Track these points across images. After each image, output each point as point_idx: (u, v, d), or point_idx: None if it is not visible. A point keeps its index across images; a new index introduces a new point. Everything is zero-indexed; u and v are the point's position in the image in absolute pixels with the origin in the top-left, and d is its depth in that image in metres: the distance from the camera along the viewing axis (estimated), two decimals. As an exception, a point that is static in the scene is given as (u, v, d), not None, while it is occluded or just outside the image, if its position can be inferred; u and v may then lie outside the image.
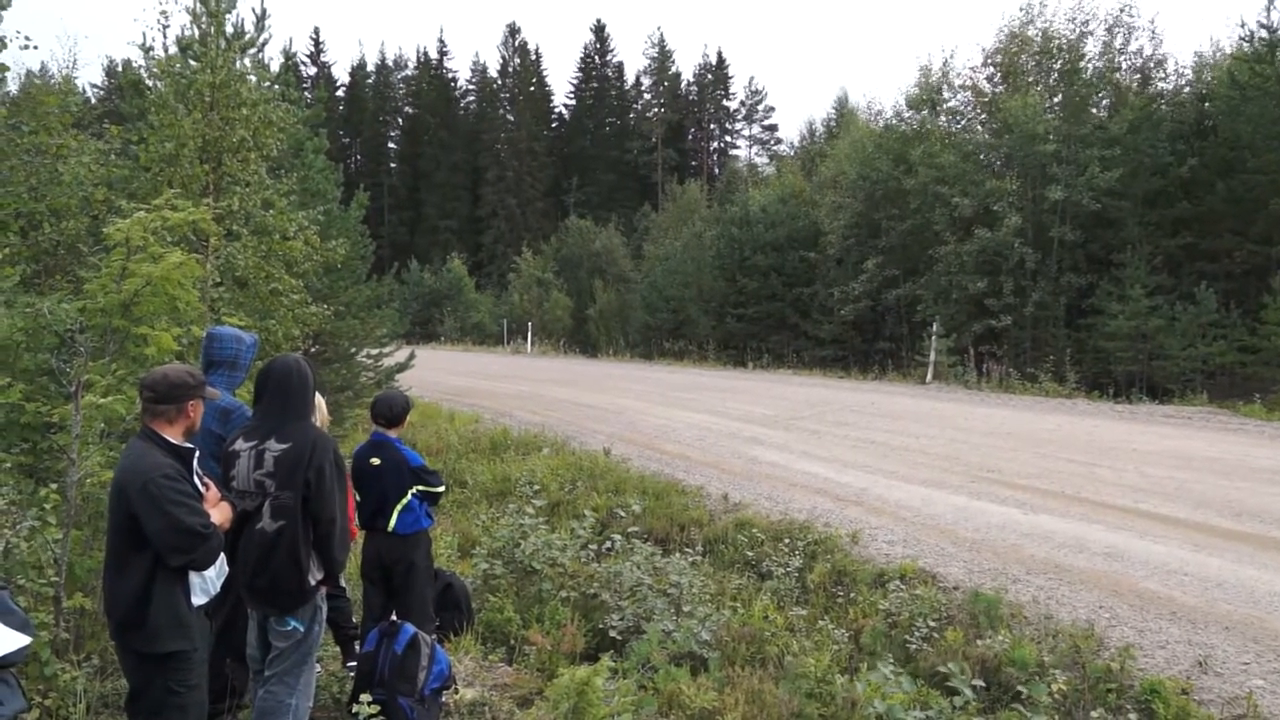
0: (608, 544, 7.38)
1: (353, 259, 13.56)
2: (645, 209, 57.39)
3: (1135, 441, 11.66)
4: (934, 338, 21.70)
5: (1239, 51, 21.33)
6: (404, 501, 5.01)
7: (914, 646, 5.81)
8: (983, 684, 5.18)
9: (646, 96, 78.16)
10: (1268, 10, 19.61)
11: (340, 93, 76.70)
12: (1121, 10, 22.86)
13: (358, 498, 5.03)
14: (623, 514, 8.68)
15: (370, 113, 77.99)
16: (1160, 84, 23.70)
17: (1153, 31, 23.07)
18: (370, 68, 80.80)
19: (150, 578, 3.15)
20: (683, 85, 77.92)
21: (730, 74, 77.92)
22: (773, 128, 76.41)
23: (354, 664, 4.73)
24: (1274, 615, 5.94)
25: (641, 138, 74.13)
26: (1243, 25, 20.28)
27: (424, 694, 4.29)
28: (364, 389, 13.63)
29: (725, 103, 77.77)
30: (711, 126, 78.35)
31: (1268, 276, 18.26)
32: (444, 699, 4.53)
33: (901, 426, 13.41)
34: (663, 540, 8.39)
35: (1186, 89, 23.39)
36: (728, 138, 79.17)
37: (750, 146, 77.42)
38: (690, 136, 77.16)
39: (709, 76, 77.27)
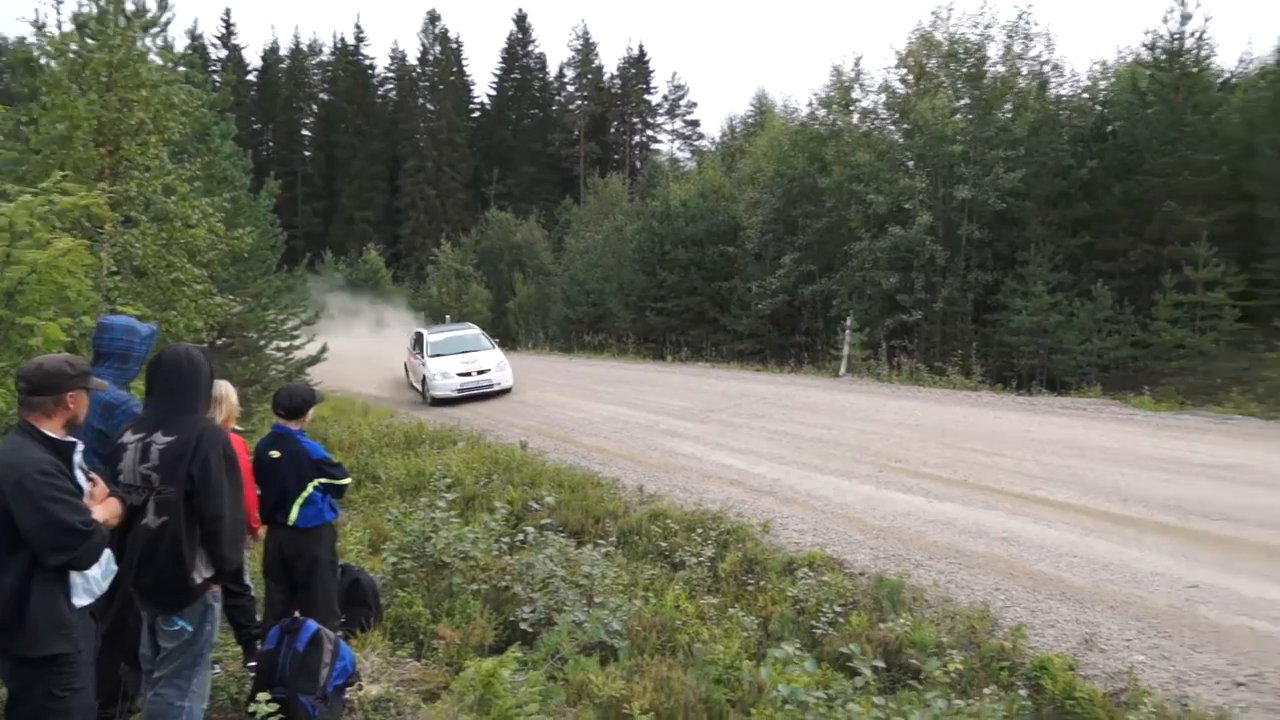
0: (521, 536, 7.37)
1: (262, 248, 13.22)
2: (567, 202, 57.11)
3: (1034, 431, 12.13)
4: (848, 332, 22.17)
5: (1139, 59, 22.26)
6: (305, 494, 4.90)
7: (820, 631, 5.95)
8: (883, 665, 5.34)
9: (569, 89, 77.71)
10: (1165, 20, 20.46)
11: (252, 77, 74.14)
12: (1019, 17, 23.64)
13: (259, 492, 4.90)
14: (537, 506, 8.67)
15: (284, 98, 75.49)
16: (1058, 89, 24.64)
17: (1048, 39, 23.81)
18: (284, 52, 78.38)
19: (27, 578, 3.03)
20: (606, 78, 77.74)
21: (652, 68, 78.08)
22: (695, 123, 76.86)
23: (255, 664, 4.62)
24: (1155, 595, 6.27)
25: (564, 130, 73.68)
26: (1148, 33, 21.10)
27: (327, 691, 4.22)
28: (273, 382, 13.28)
29: (647, 97, 77.81)
30: (634, 120, 78.35)
31: (1159, 275, 19.13)
32: (347, 695, 4.46)
33: (815, 419, 13.68)
34: (578, 532, 8.40)
35: (1084, 94, 24.34)
36: (650, 131, 79.25)
37: (672, 141, 77.72)
38: (613, 130, 77.06)
39: (632, 70, 77.19)
